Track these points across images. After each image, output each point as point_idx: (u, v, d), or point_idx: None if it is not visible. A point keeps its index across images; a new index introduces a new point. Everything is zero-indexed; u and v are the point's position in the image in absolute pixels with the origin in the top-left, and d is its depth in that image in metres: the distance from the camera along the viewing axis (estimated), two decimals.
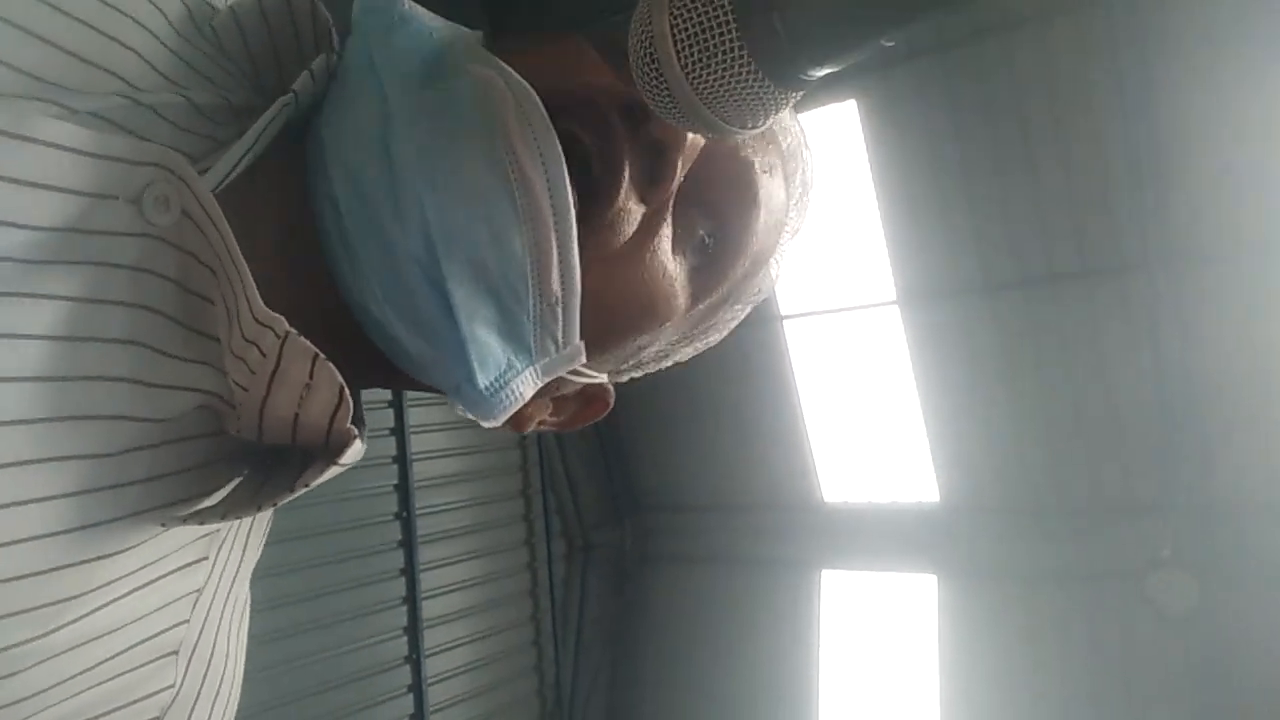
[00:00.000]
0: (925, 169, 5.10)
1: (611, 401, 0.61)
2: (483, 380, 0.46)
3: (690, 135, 0.48)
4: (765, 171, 0.56)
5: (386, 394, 5.25)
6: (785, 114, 0.58)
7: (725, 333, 0.65)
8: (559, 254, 0.46)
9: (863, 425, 6.01)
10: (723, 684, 6.35)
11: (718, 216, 0.54)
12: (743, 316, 0.64)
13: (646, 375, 0.64)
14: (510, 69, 0.46)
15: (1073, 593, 5.21)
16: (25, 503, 0.38)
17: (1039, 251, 4.97)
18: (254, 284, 0.41)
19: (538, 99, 0.45)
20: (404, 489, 5.39)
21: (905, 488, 5.86)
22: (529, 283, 0.45)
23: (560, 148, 0.45)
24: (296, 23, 0.53)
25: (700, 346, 0.64)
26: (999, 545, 5.42)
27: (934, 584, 5.73)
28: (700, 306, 0.56)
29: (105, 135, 0.41)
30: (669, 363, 0.63)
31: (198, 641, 0.49)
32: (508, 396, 0.48)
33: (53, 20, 0.43)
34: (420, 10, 0.48)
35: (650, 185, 0.49)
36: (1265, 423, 4.56)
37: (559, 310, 0.47)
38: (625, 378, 0.62)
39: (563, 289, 0.46)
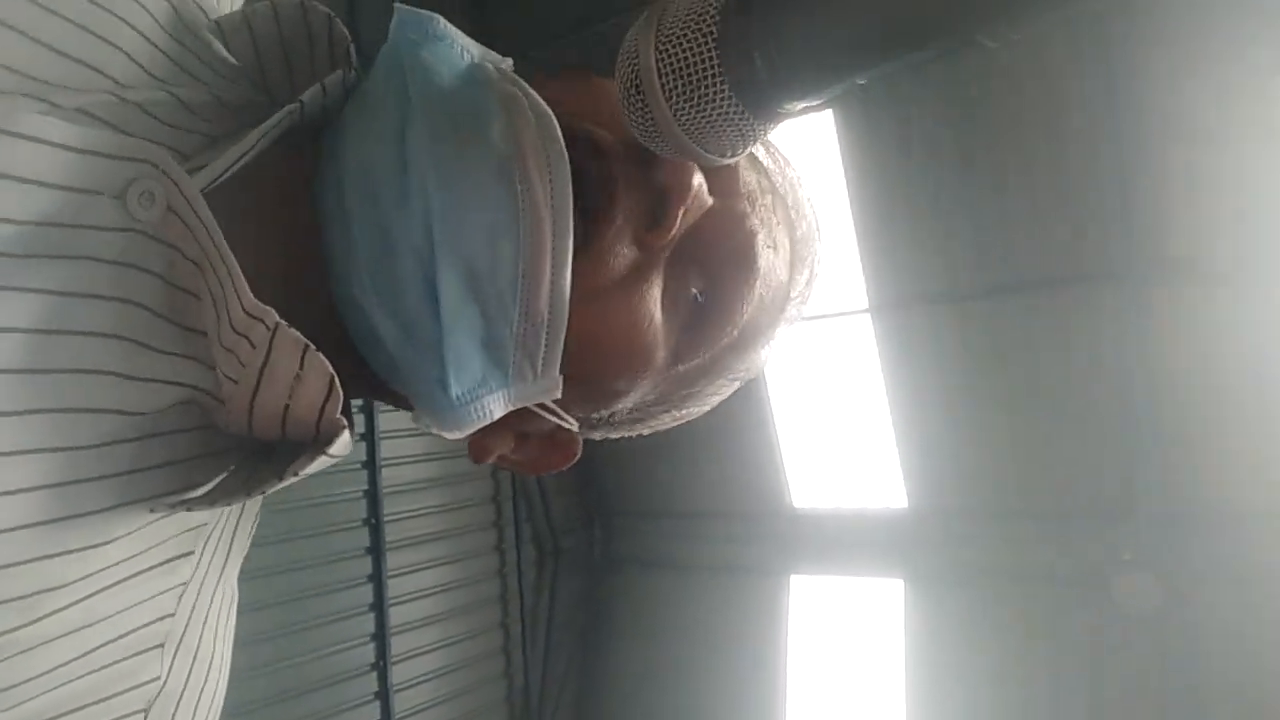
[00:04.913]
0: (899, 178, 5.15)
1: (578, 452, 0.59)
2: (455, 389, 0.46)
3: (694, 187, 0.49)
4: (769, 247, 0.55)
5: (357, 399, 5.21)
6: (802, 198, 0.59)
7: (706, 407, 0.63)
8: (551, 275, 0.46)
9: (833, 432, 6.05)
10: (692, 688, 6.36)
11: (713, 278, 0.54)
12: (727, 394, 0.63)
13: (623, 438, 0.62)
14: (535, 93, 0.47)
15: (1038, 596, 5.28)
16: (3, 494, 0.38)
17: (1010, 260, 5.04)
18: (243, 277, 0.41)
19: (556, 124, 0.46)
20: (373, 495, 5.35)
21: (874, 494, 5.91)
22: (516, 295, 0.45)
23: (570, 173, 0.45)
24: (312, 35, 0.54)
25: (679, 416, 0.63)
26: (966, 550, 5.48)
27: (901, 588, 5.78)
28: (681, 368, 0.56)
29: (90, 130, 0.41)
30: (645, 429, 0.62)
31: (184, 635, 0.49)
32: (476, 411, 0.47)
33: (39, 18, 0.43)
34: (455, 30, 0.49)
35: (648, 230, 0.49)
36: (1229, 428, 4.63)
37: (543, 334, 0.47)
38: (597, 435, 0.60)
39: (550, 313, 0.46)
